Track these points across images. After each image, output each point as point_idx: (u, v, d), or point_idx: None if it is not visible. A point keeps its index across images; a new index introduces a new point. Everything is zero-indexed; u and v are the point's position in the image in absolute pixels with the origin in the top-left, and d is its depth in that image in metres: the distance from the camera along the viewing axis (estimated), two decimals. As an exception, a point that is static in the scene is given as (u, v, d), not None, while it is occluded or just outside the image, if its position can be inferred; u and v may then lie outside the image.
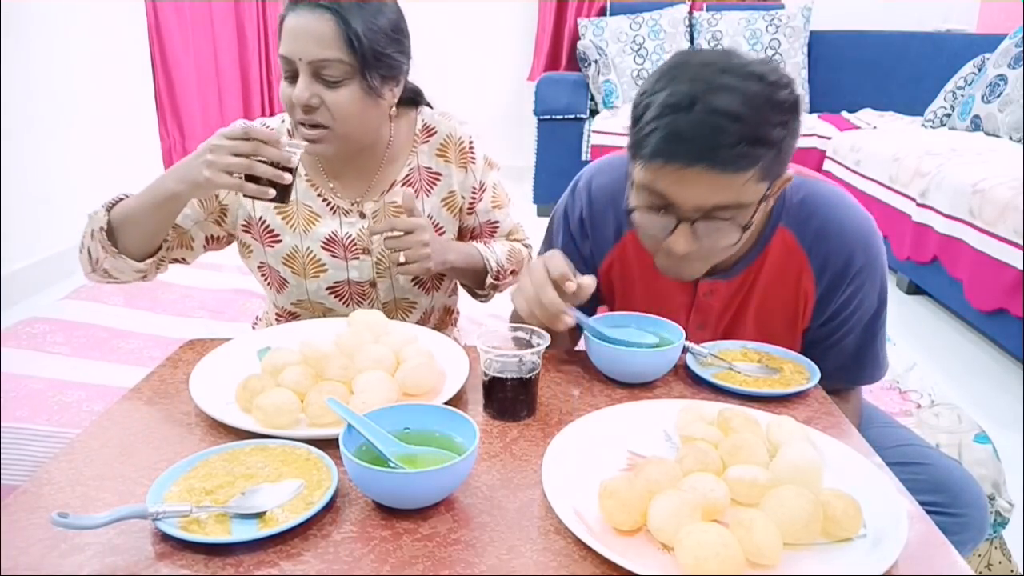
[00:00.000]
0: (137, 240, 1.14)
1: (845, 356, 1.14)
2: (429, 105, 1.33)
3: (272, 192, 1.04)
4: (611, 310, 1.20)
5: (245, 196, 1.06)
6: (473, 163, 1.31)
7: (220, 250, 1.31)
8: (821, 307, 1.10)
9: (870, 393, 1.48)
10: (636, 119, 0.94)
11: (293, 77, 1.13)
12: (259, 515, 0.72)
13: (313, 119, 1.13)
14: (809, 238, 1.07)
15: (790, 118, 0.91)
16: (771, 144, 0.89)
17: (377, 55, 1.13)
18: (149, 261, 1.16)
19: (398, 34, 1.16)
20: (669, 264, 1.02)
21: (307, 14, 1.10)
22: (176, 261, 1.26)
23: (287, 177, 1.04)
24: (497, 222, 1.39)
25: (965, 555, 1.16)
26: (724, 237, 0.96)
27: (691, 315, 1.15)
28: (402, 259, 1.15)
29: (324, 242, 1.25)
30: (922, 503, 0.98)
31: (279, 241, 1.25)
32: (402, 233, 1.14)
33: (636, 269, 1.16)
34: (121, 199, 1.15)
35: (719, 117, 0.87)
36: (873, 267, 1.08)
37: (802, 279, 1.09)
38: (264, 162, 1.03)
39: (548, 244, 1.25)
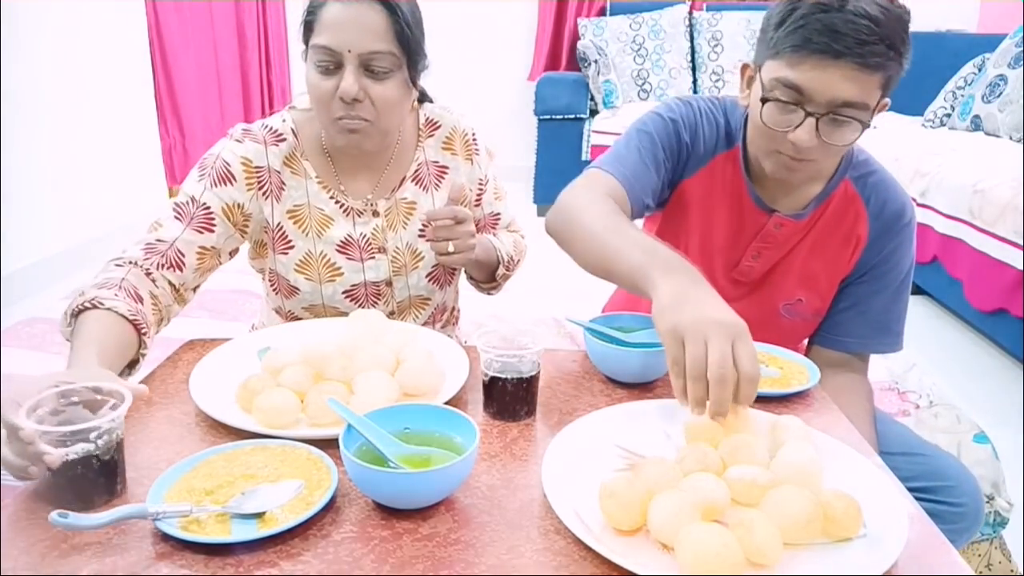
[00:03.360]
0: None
1: (872, 316, 1.23)
2: (430, 100, 1.33)
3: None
4: (672, 224, 1.27)
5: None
6: (477, 155, 1.32)
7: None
8: (869, 253, 1.21)
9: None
10: (780, 21, 1.03)
11: (332, 70, 1.09)
12: (259, 515, 0.72)
13: (356, 113, 1.11)
14: (869, 189, 1.20)
15: (909, 42, 1.02)
16: (899, 56, 1.01)
17: (418, 46, 1.13)
18: (154, 328, 1.07)
19: (423, 24, 1.16)
20: (779, 164, 1.10)
21: (356, 4, 1.07)
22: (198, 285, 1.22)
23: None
24: (499, 214, 1.40)
25: (960, 545, 1.17)
26: (844, 136, 1.04)
27: (753, 242, 1.22)
28: (451, 248, 1.15)
29: (339, 246, 1.23)
30: (921, 488, 1.06)
31: (292, 247, 1.23)
32: (452, 222, 1.14)
33: (719, 189, 1.23)
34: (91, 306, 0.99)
35: (865, 19, 0.97)
36: (913, 227, 1.22)
37: (857, 226, 1.20)
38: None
39: (641, 136, 1.19)
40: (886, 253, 1.20)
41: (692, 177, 1.23)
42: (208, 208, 1.16)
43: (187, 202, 1.17)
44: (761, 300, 1.25)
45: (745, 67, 1.14)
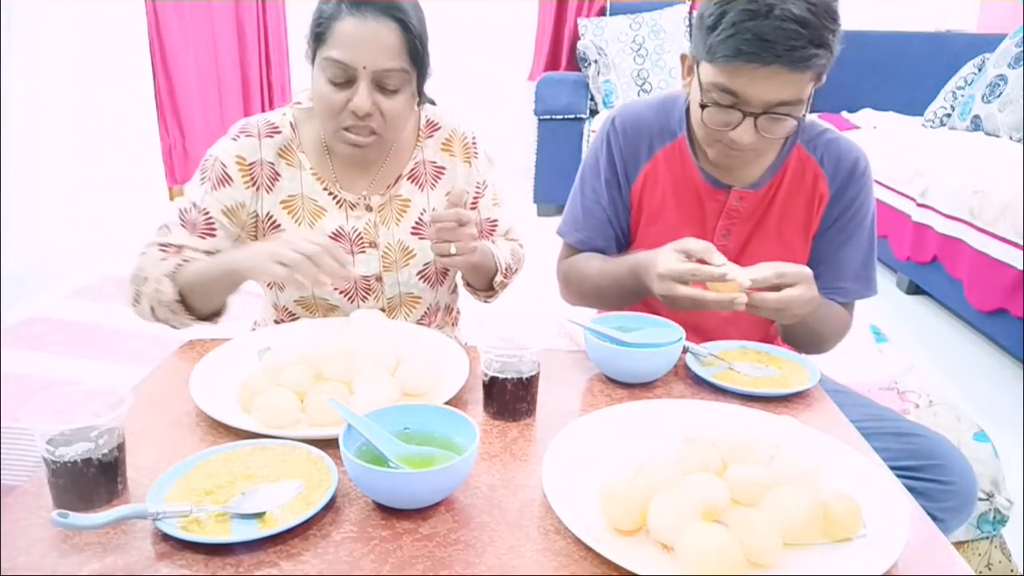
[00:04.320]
0: (207, 308, 1.18)
1: (845, 267, 1.27)
2: (432, 102, 1.34)
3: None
4: (640, 226, 1.32)
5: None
6: (476, 158, 1.33)
7: None
8: (832, 207, 1.25)
9: (868, 393, 1.48)
10: (712, 24, 1.05)
11: (345, 83, 1.11)
12: (259, 515, 0.72)
13: (365, 124, 1.12)
14: (820, 148, 1.24)
15: (837, 26, 1.06)
16: (828, 47, 1.04)
17: (427, 61, 1.15)
18: (218, 318, 1.20)
19: (428, 36, 1.17)
20: (722, 154, 1.16)
21: (372, 21, 1.08)
22: None
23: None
24: (496, 220, 1.40)
25: (955, 527, 1.17)
26: (781, 129, 1.10)
27: (719, 221, 1.26)
28: (453, 251, 1.14)
29: (331, 236, 1.24)
30: (910, 467, 1.07)
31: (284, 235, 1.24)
32: (456, 225, 1.13)
33: (669, 181, 1.28)
34: (178, 266, 1.15)
35: (793, 23, 1.00)
36: (871, 175, 1.26)
37: (817, 185, 1.24)
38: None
39: (584, 185, 1.35)
40: (847, 203, 1.24)
41: (635, 181, 1.30)
42: (207, 213, 1.20)
43: (189, 208, 1.21)
44: None
45: (684, 57, 1.18)
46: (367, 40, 1.08)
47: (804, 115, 1.09)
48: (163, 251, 1.18)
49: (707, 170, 1.24)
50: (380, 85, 1.11)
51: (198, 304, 1.16)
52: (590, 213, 1.33)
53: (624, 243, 1.35)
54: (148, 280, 1.14)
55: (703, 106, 1.10)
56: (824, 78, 1.09)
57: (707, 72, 1.08)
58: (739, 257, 1.26)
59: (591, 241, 1.34)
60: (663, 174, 1.27)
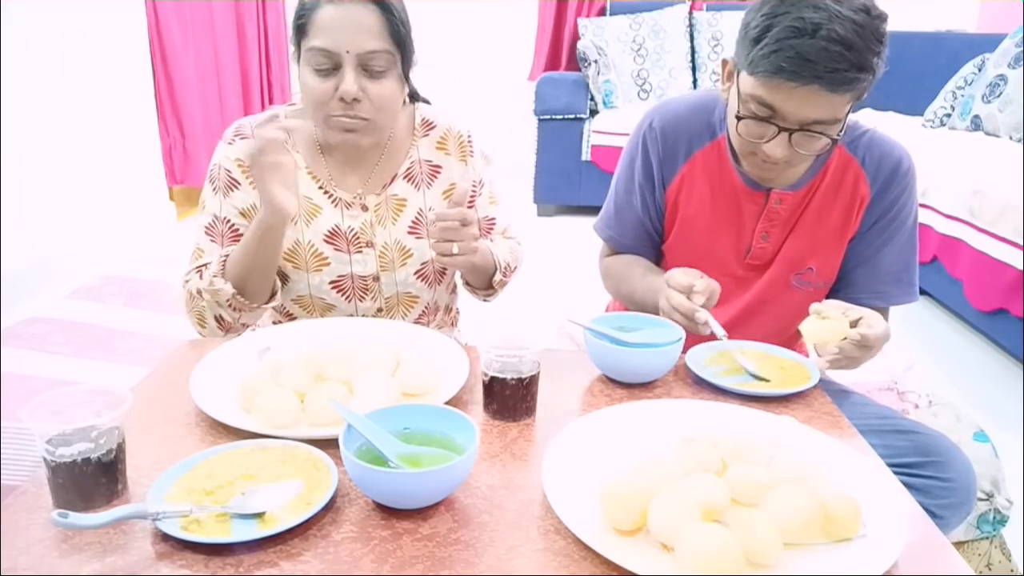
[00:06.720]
0: (262, 286, 1.17)
1: (884, 269, 1.26)
2: (427, 101, 1.34)
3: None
4: (675, 227, 1.32)
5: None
6: (472, 156, 1.33)
7: None
8: (873, 209, 1.24)
9: (868, 393, 1.48)
10: (756, 37, 1.05)
11: (330, 71, 1.11)
12: (259, 515, 0.72)
13: (355, 112, 1.12)
14: (862, 149, 1.23)
15: (884, 48, 1.05)
16: (871, 71, 1.03)
17: (410, 43, 1.16)
18: (276, 298, 1.21)
19: (410, 20, 1.18)
20: (755, 165, 1.17)
21: (351, 5, 1.09)
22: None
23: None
24: (494, 219, 1.40)
25: (955, 524, 1.17)
26: (815, 146, 1.09)
27: (759, 224, 1.25)
28: (455, 250, 1.13)
29: (327, 235, 1.24)
30: (910, 464, 1.07)
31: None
32: (459, 224, 1.12)
33: (707, 184, 1.28)
34: (223, 261, 1.15)
35: (837, 44, 0.99)
36: (914, 175, 1.25)
37: (858, 186, 1.23)
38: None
39: (619, 183, 1.37)
40: (888, 204, 1.23)
41: (672, 183, 1.30)
42: (229, 221, 1.23)
43: (212, 222, 1.23)
44: (774, 275, 1.28)
45: (725, 62, 1.17)
46: (349, 24, 1.09)
47: (840, 133, 1.09)
48: (200, 272, 1.19)
49: (745, 172, 1.23)
50: (366, 68, 1.11)
51: (255, 287, 1.15)
52: (622, 212, 1.36)
53: (658, 241, 1.36)
54: (201, 293, 1.15)
55: (740, 117, 1.10)
56: (865, 96, 1.08)
57: (747, 83, 1.08)
58: (774, 257, 1.27)
59: (622, 239, 1.38)
60: (700, 176, 1.27)
